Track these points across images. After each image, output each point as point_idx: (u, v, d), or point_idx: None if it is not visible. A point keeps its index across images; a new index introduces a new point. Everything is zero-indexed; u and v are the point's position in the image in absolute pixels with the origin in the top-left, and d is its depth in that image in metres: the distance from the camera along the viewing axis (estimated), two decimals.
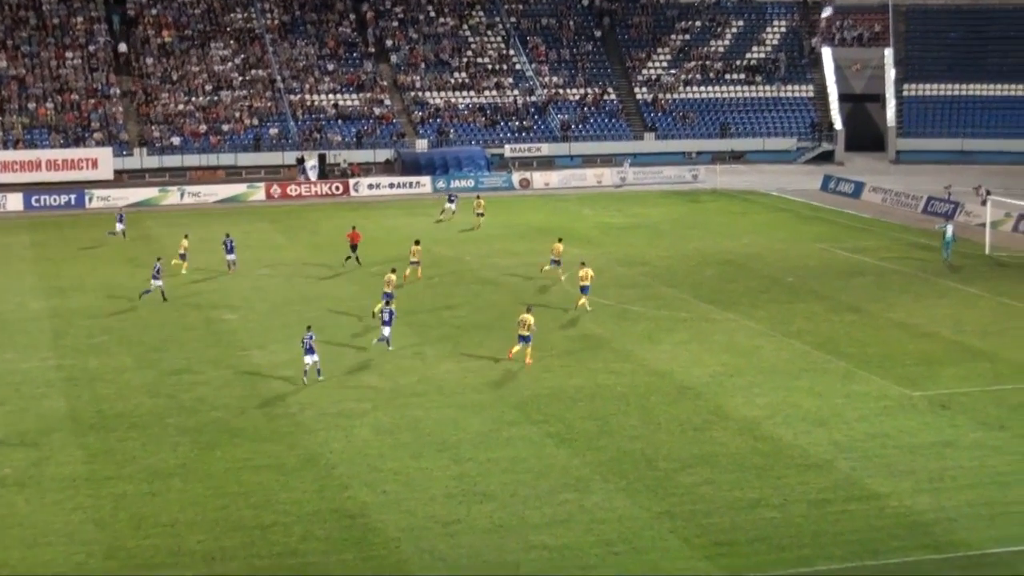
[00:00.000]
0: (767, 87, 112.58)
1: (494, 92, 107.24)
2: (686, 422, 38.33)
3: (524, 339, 44.84)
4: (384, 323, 46.57)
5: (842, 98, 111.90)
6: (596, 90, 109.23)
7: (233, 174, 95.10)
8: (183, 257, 61.34)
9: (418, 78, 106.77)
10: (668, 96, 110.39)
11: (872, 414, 38.97)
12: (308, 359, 42.63)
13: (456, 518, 31.07)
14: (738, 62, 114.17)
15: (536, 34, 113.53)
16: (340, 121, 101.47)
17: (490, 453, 35.56)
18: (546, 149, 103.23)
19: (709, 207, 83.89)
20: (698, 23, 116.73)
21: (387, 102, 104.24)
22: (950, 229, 64.42)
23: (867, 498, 32.25)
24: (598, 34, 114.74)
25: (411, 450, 35.87)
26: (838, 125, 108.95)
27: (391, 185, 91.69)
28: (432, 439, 36.80)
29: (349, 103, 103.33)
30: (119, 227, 70.12)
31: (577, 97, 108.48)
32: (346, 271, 61.33)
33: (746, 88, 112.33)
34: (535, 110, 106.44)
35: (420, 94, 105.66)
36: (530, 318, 44.83)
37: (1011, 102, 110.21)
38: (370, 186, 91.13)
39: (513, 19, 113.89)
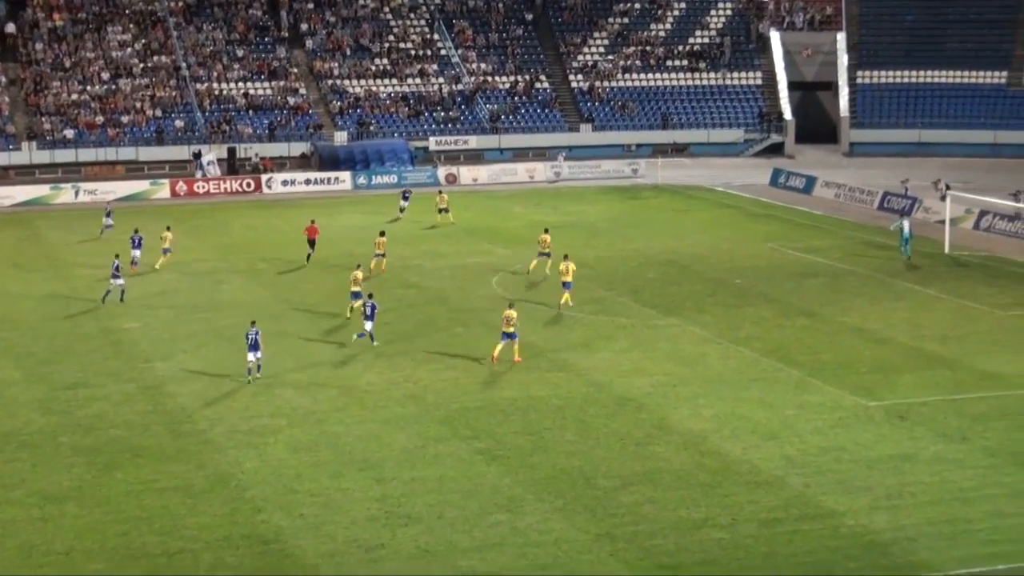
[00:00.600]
0: (712, 74, 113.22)
1: (418, 80, 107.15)
2: (627, 436, 38.40)
3: (509, 336, 45.95)
4: (366, 317, 47.96)
5: (792, 86, 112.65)
6: (527, 78, 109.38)
7: (134, 170, 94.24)
8: (165, 252, 62.63)
9: (336, 65, 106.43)
10: (605, 84, 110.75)
11: (826, 426, 39.23)
12: (252, 355, 43.71)
13: (379, 543, 30.96)
14: (680, 48, 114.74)
15: (462, 17, 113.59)
16: (251, 112, 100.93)
17: (415, 472, 35.48)
18: (474, 142, 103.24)
19: (650, 204, 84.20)
20: (637, 5, 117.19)
21: (302, 91, 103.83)
22: (907, 225, 65.11)
23: (821, 516, 32.45)
24: (529, 17, 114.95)
25: (330, 469, 35.71)
26: (788, 115, 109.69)
27: (307, 181, 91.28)
28: (353, 457, 36.66)
29: (261, 92, 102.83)
30: (108, 221, 70.99)
31: (507, 85, 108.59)
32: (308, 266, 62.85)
33: (689, 76, 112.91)
34: (462, 100, 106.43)
35: (338, 82, 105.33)
36: (514, 314, 46.00)
37: (971, 90, 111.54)
38: (284, 182, 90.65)
39: (437, 1, 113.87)
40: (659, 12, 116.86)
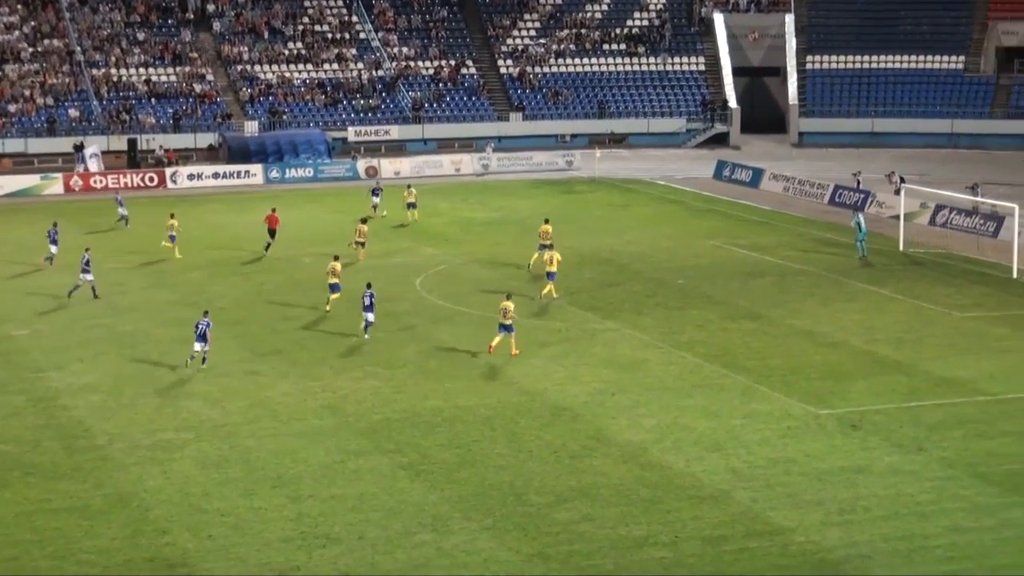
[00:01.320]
0: (651, 60, 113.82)
1: (335, 66, 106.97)
2: (561, 449, 38.48)
3: (506, 328, 47.60)
4: (366, 308, 49.88)
5: (737, 72, 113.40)
6: (453, 63, 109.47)
7: (23, 163, 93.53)
8: (173, 239, 64.98)
9: (246, 49, 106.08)
10: (537, 70, 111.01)
11: (774, 436, 39.48)
12: (198, 346, 45.62)
13: (295, 565, 30.86)
14: (618, 31, 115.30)
15: None
16: (153, 100, 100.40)
17: (334, 489, 35.40)
18: (396, 132, 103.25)
19: (587, 198, 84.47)
20: None
21: (209, 78, 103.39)
22: (863, 220, 65.69)
23: (770, 533, 32.64)
24: None
25: (241, 487, 35.56)
26: (733, 103, 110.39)
27: (216, 175, 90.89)
28: (266, 474, 36.54)
29: (164, 79, 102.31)
30: (122, 212, 73.52)
31: (431, 71, 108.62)
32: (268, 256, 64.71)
33: (627, 61, 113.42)
34: (383, 87, 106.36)
35: (248, 68, 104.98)
36: (511, 305, 47.68)
37: (926, 76, 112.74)
38: (191, 176, 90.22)
39: None
40: None
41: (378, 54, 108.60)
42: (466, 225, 74.60)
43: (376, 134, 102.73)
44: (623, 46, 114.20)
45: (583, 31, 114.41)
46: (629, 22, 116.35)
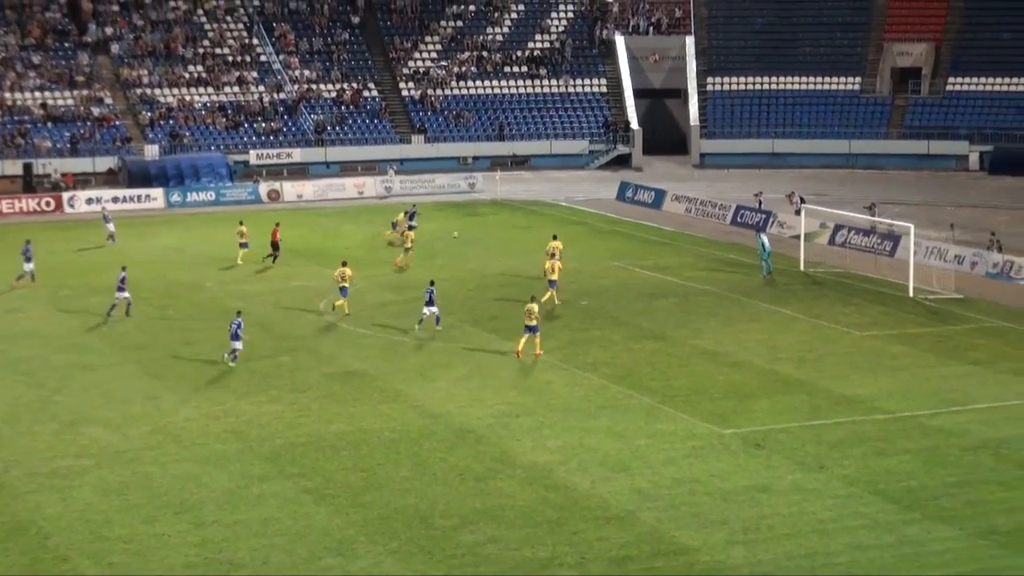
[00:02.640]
0: (553, 82, 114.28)
1: (236, 89, 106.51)
2: (466, 471, 38.48)
3: (531, 329, 50.13)
4: (428, 303, 53.69)
5: (638, 93, 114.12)
6: (355, 86, 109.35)
7: None
8: (245, 247, 68.83)
9: (145, 73, 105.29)
10: (439, 92, 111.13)
11: (679, 456, 39.71)
12: (234, 344, 48.96)
13: None
14: (519, 53, 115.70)
15: (283, 20, 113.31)
16: (50, 124, 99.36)
17: (238, 514, 35.17)
18: (298, 155, 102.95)
19: (489, 220, 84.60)
20: (472, 7, 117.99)
21: (108, 101, 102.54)
22: (766, 240, 66.32)
23: (675, 553, 32.79)
24: (355, 20, 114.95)
25: (143, 513, 35.23)
26: (635, 124, 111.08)
27: (115, 199, 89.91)
28: (169, 500, 36.22)
29: (61, 102, 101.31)
30: (110, 228, 74.42)
31: (333, 94, 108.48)
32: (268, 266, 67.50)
33: (529, 83, 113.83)
34: (284, 109, 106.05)
35: (148, 91, 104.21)
36: (535, 307, 50.45)
37: (824, 97, 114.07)
38: (89, 200, 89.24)
39: (256, 2, 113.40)
40: (495, 15, 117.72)
41: (279, 77, 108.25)
42: (370, 248, 74.45)
43: (278, 157, 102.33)
44: (524, 68, 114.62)
45: (484, 53, 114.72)
46: (530, 44, 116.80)
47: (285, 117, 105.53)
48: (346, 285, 57.31)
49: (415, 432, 41.93)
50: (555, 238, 64.51)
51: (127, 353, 50.90)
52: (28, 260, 63.29)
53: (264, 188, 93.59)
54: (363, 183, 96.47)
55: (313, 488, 37.20)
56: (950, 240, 72.10)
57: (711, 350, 52.08)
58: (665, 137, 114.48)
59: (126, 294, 56.93)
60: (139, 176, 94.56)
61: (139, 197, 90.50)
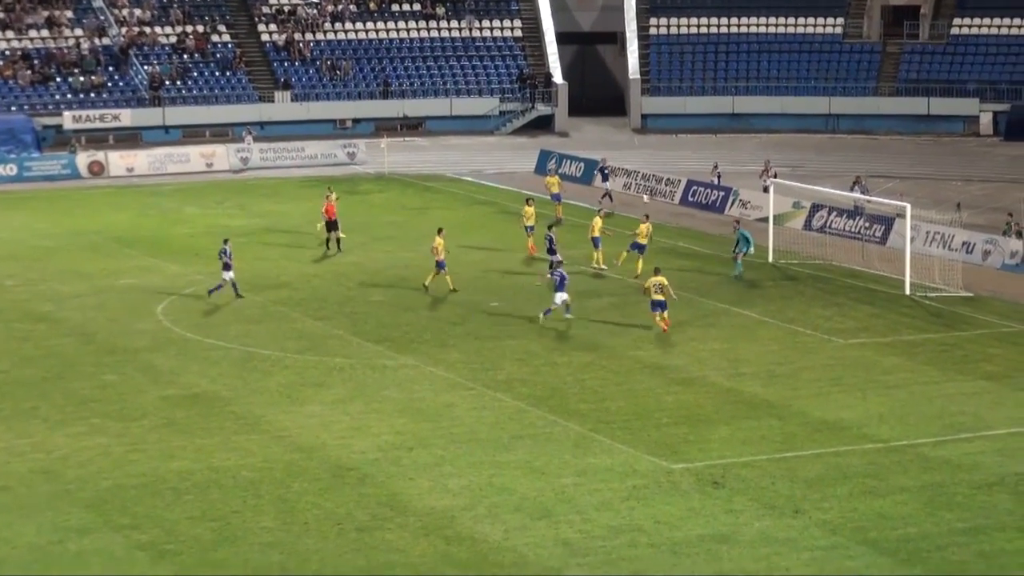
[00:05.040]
0: (453, 24, 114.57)
1: (45, 32, 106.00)
2: (345, 520, 38.51)
3: (659, 305, 55.10)
4: (556, 288, 57.34)
5: (563, 39, 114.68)
6: (201, 29, 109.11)
7: None
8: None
9: None
10: (309, 37, 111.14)
11: (616, 499, 39.87)
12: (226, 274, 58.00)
13: None
14: None
15: None
16: None
17: None
18: (128, 118, 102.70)
19: (374, 200, 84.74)
20: None
21: None
22: (748, 234, 66.11)
23: None
24: None
25: None
26: (558, 78, 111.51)
27: None
28: None
29: None
30: None
31: (173, 40, 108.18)
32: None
33: (423, 25, 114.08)
34: (109, 59, 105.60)
35: None
36: (664, 280, 55.63)
37: (797, 43, 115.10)
38: None
39: None
40: None
41: (102, 17, 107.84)
42: (220, 234, 74.21)
43: (102, 120, 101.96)
44: (417, 7, 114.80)
45: None
46: None
47: (110, 69, 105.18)
48: (441, 258, 61.20)
49: (280, 470, 41.91)
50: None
51: None
52: None
53: (83, 160, 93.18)
54: (213, 152, 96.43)
55: (149, 543, 37.07)
56: (956, 224, 73.03)
57: (656, 363, 52.43)
58: (597, 94, 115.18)
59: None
60: None
61: None
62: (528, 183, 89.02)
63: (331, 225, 69.47)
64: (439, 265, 61.55)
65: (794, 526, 38.16)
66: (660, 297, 55.26)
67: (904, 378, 51.12)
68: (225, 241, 61.03)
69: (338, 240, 69.68)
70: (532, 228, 69.18)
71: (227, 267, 60.55)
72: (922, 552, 36.42)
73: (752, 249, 65.73)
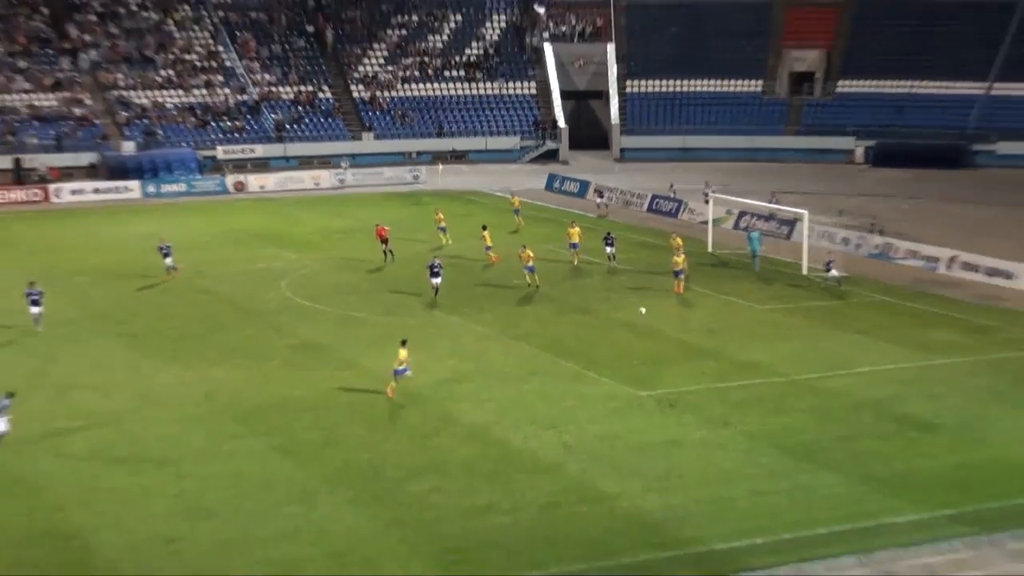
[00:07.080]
0: (488, 84, 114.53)
1: (203, 91, 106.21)
2: (413, 430, 38.88)
3: (678, 274, 56.57)
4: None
5: (565, 95, 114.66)
6: (310, 88, 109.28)
7: None
8: (444, 231, 69.39)
9: (120, 76, 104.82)
10: (386, 94, 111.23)
11: (601, 415, 40.21)
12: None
13: (179, 535, 30.97)
14: (457, 59, 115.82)
15: (245, 29, 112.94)
16: (36, 122, 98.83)
17: (212, 468, 35.51)
18: (260, 150, 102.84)
19: (431, 208, 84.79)
20: (415, 18, 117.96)
21: (88, 102, 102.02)
22: (756, 237, 65.23)
23: (597, 499, 33.28)
24: (310, 29, 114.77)
25: (128, 467, 35.53)
26: (561, 123, 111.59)
27: (96, 190, 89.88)
28: (150, 455, 36.51)
29: (45, 103, 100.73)
30: (168, 262, 61.47)
31: (291, 96, 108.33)
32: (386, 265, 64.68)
33: (466, 86, 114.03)
34: (247, 109, 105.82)
35: (124, 93, 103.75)
36: (681, 259, 56.91)
37: (730, 98, 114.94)
38: (73, 192, 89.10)
39: (221, 13, 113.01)
40: (436, 24, 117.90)
41: (243, 80, 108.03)
42: (325, 233, 74.66)
43: (242, 152, 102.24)
44: (462, 72, 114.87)
45: (426, 59, 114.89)
46: (467, 51, 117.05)
47: (248, 116, 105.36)
48: (531, 264, 58.47)
49: (368, 396, 42.29)
50: (573, 223, 66.92)
51: (111, 325, 51.04)
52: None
53: (230, 180, 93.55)
54: (319, 176, 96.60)
55: (279, 445, 37.53)
56: (839, 225, 73.06)
57: (629, 323, 52.61)
58: (589, 134, 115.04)
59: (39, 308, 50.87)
60: (117, 170, 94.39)
61: (118, 188, 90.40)
62: (542, 198, 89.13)
63: (384, 241, 65.85)
64: (528, 269, 58.51)
65: (724, 434, 38.43)
66: (679, 267, 57.30)
67: (801, 332, 51.29)
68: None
69: (392, 251, 65.43)
70: (577, 245, 64.66)
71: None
72: (811, 452, 36.74)
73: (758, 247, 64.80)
